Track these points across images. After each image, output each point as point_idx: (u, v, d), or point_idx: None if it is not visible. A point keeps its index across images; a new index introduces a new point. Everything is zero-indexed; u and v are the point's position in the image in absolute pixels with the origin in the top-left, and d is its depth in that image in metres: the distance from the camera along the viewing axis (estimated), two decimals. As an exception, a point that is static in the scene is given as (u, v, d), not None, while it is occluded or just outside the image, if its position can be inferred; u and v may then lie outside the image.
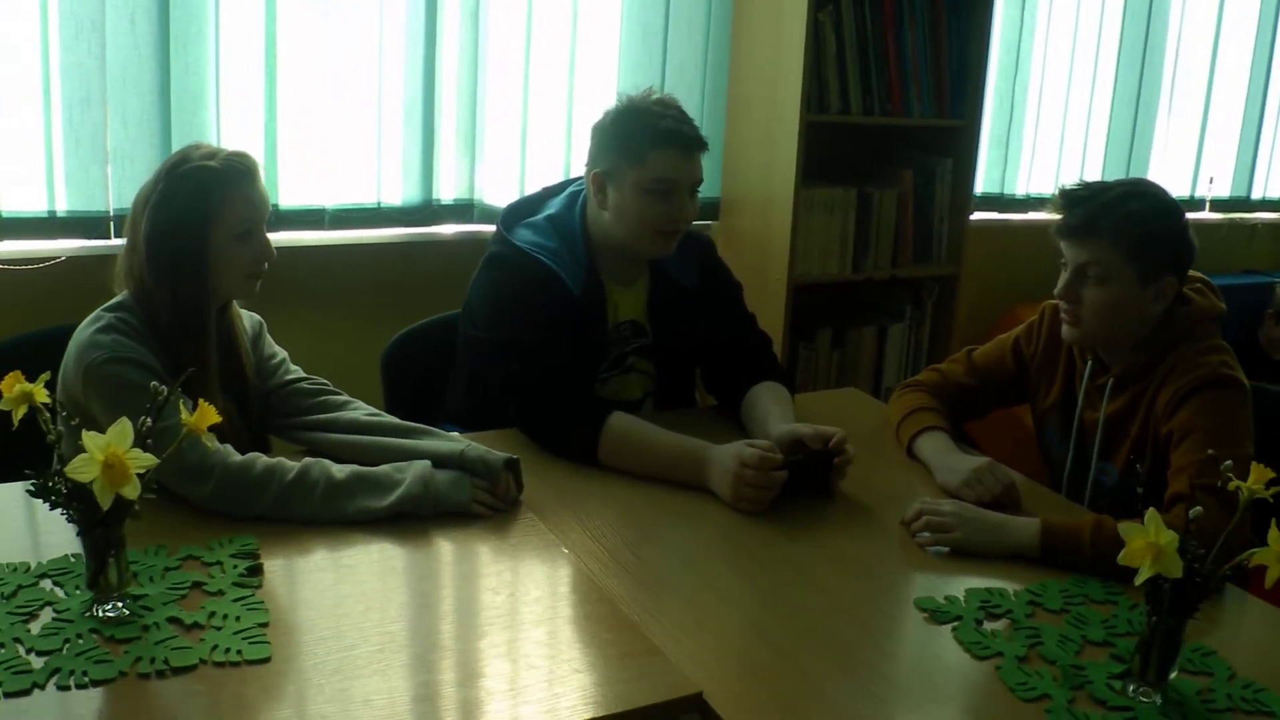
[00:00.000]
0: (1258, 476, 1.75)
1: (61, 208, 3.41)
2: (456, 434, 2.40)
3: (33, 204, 3.38)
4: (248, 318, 2.49)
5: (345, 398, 2.45)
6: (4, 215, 3.34)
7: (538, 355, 2.54)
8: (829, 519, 2.34)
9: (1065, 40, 5.01)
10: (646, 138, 2.59)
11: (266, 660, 1.69)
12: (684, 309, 2.79)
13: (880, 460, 2.65)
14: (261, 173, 2.33)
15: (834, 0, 4.05)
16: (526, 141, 4.01)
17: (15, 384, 1.73)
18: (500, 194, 3.93)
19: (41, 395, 1.75)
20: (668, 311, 2.78)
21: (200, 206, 2.23)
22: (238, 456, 2.13)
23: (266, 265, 2.33)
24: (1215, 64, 5.49)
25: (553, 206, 2.74)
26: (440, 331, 2.95)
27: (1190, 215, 2.50)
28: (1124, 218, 2.37)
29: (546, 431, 2.54)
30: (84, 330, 2.22)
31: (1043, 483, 2.62)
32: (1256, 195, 5.79)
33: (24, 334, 2.59)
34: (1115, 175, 5.19)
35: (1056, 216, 2.45)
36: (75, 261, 3.38)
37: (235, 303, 2.42)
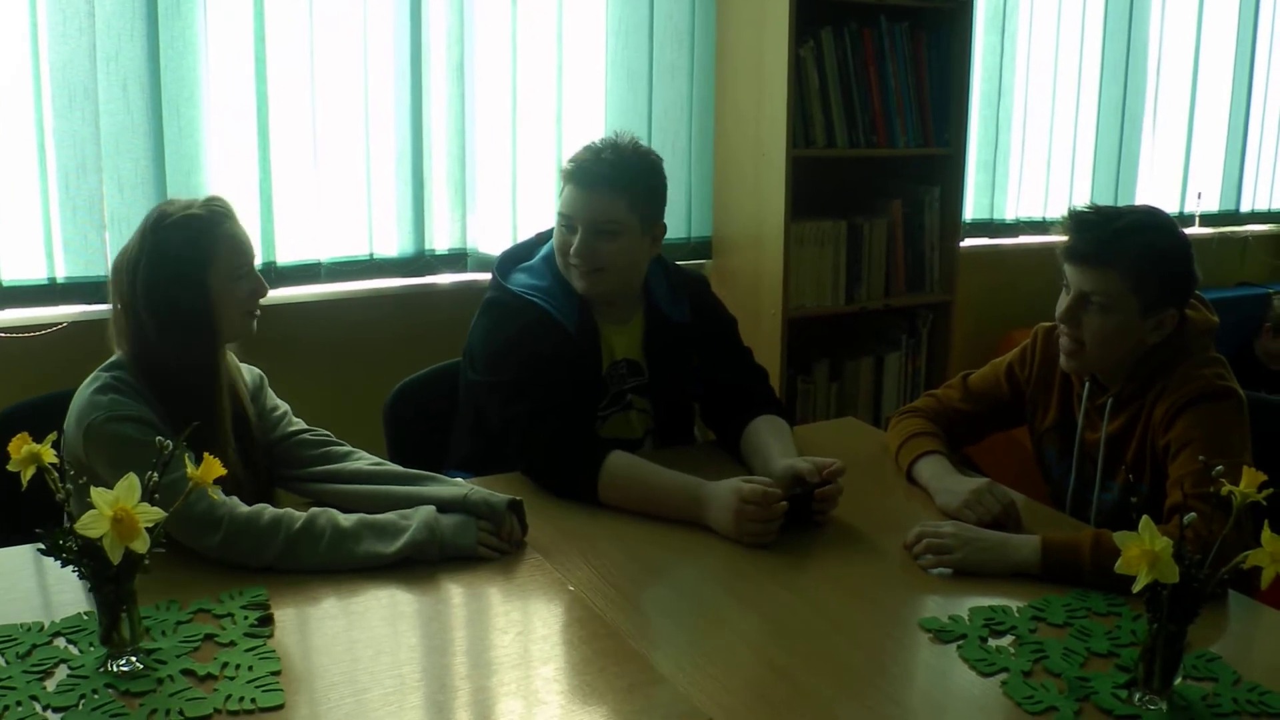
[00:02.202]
0: (1249, 480, 1.77)
1: (61, 274, 3.44)
2: (461, 479, 2.42)
3: (33, 272, 3.42)
4: (248, 371, 2.51)
5: (348, 448, 2.47)
6: (5, 284, 3.38)
7: (536, 396, 2.56)
8: (831, 545, 2.35)
9: (1046, 64, 5.05)
10: (563, 172, 2.69)
11: (280, 707, 1.71)
12: (678, 346, 2.81)
13: (880, 486, 2.67)
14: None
15: (814, 36, 4.10)
16: (517, 189, 4.04)
17: (23, 445, 1.76)
18: (493, 242, 3.96)
19: (49, 455, 1.77)
20: (662, 349, 2.80)
21: (194, 255, 2.26)
22: (245, 507, 2.15)
23: (260, 301, 2.37)
24: (1197, 79, 5.53)
25: (546, 249, 2.77)
26: (440, 381, 2.97)
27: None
28: (1136, 250, 2.37)
29: (546, 472, 2.55)
30: (83, 392, 2.24)
31: (1045, 504, 2.64)
32: (1246, 208, 5.82)
33: (28, 399, 2.61)
34: (1104, 195, 5.23)
35: (1063, 238, 2.45)
36: (77, 327, 3.41)
37: (233, 356, 2.44)
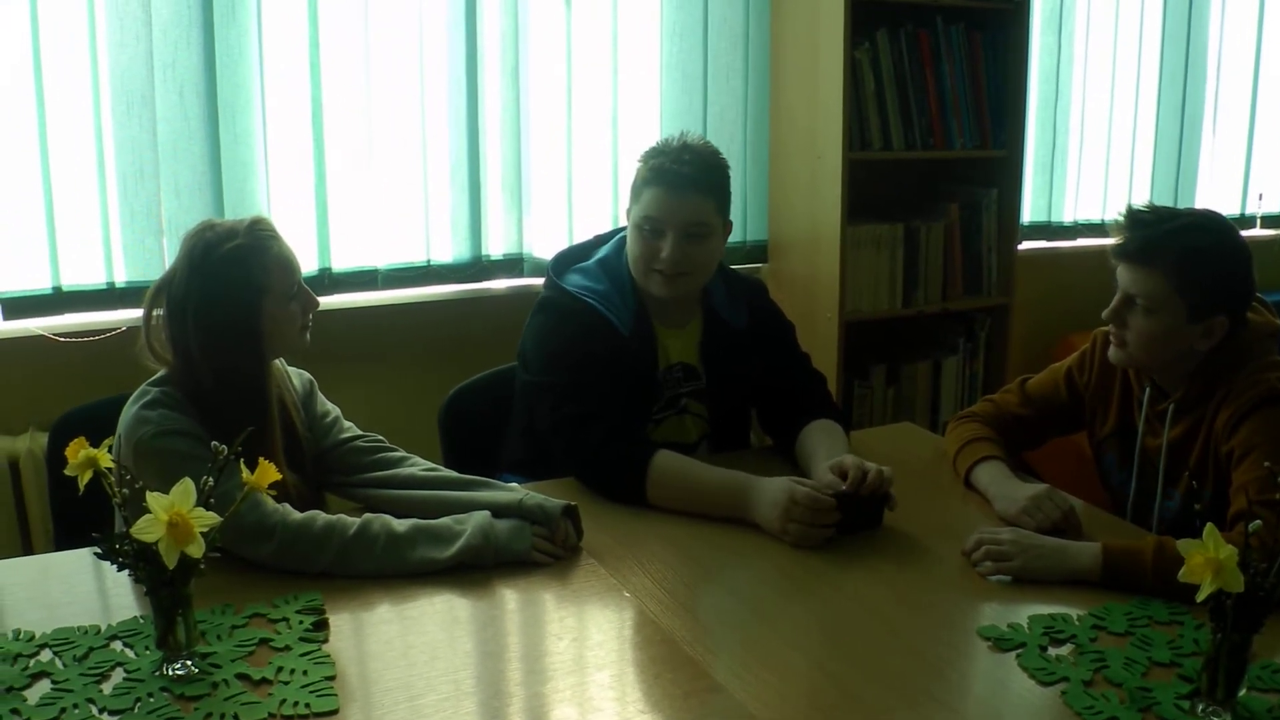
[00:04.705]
0: (1317, 488, 1.73)
1: (120, 279, 3.48)
2: (515, 484, 2.41)
3: (92, 277, 3.46)
4: (297, 376, 2.51)
5: (401, 454, 2.46)
6: (65, 288, 3.42)
7: (586, 399, 2.56)
8: (888, 551, 2.33)
9: (1105, 64, 5.00)
10: (643, 175, 2.65)
11: (334, 712, 1.71)
12: (736, 351, 2.80)
13: (938, 491, 2.64)
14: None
15: (870, 38, 4.08)
16: (573, 194, 4.05)
17: (80, 450, 1.77)
18: (549, 247, 3.95)
19: (106, 460, 1.78)
20: (719, 354, 2.79)
21: (249, 289, 2.24)
22: (297, 515, 2.15)
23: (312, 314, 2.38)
24: (1258, 80, 5.46)
25: (603, 251, 2.77)
26: (496, 385, 2.96)
27: (1243, 233, 2.46)
28: (1183, 252, 2.34)
29: (594, 475, 2.54)
30: (130, 407, 2.24)
31: (1105, 511, 2.60)
32: (1309, 210, 5.75)
33: (87, 404, 2.63)
34: (1164, 196, 5.17)
35: (1118, 238, 2.42)
36: (135, 332, 3.39)
37: (280, 364, 2.44)
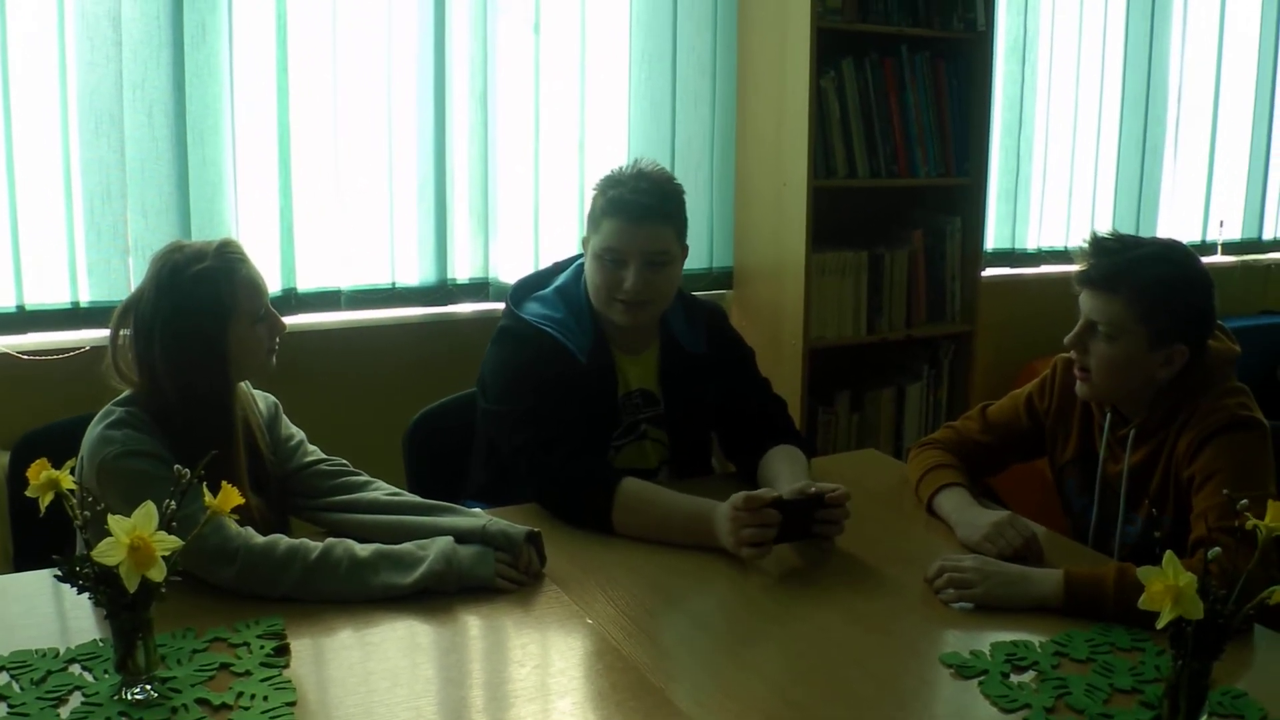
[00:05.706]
0: (1275, 514, 1.74)
1: (85, 299, 3.46)
2: (479, 510, 2.41)
3: (57, 296, 3.44)
4: (263, 399, 2.50)
5: (365, 478, 2.45)
6: (29, 308, 3.40)
7: (547, 425, 2.55)
8: (850, 578, 2.33)
9: (1067, 93, 5.04)
10: (601, 206, 2.64)
11: (295, 738, 1.70)
12: (695, 377, 2.80)
13: (901, 518, 2.65)
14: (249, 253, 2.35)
15: (835, 66, 4.10)
16: (540, 219, 4.05)
17: (42, 470, 1.75)
18: (515, 272, 3.93)
19: (68, 482, 1.77)
20: (678, 380, 2.79)
21: (216, 310, 2.24)
22: (260, 538, 2.14)
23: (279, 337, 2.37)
24: (1218, 107, 5.52)
25: (561, 279, 2.77)
26: (460, 410, 2.96)
27: (1204, 260, 2.48)
28: (1145, 281, 2.36)
29: (560, 500, 2.54)
30: (95, 427, 2.23)
31: (1068, 537, 2.61)
32: (1268, 236, 5.80)
33: (50, 424, 2.61)
34: (1126, 223, 5.20)
35: (1081, 265, 2.44)
36: (99, 351, 3.36)
37: (246, 386, 2.43)
